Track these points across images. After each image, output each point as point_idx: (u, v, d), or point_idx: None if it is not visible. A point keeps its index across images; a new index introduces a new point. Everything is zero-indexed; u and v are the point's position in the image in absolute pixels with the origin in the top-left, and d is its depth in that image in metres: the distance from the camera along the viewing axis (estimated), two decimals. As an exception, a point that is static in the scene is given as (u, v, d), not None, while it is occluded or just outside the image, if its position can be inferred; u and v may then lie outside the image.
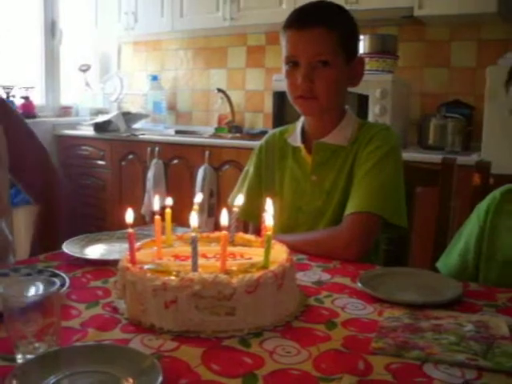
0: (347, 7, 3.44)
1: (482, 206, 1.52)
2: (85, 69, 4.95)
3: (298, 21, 1.63)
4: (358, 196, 1.59)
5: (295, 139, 1.75)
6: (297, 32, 1.62)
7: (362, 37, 3.58)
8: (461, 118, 3.36)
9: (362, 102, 3.32)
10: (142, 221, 3.92)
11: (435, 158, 2.88)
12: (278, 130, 1.87)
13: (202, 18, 4.23)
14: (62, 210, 1.87)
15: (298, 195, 1.72)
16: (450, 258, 1.56)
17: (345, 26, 1.64)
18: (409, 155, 3.08)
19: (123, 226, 3.92)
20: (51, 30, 4.82)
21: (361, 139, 1.67)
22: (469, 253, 1.51)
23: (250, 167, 1.86)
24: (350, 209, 1.58)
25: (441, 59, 3.71)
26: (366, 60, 3.54)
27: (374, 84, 3.30)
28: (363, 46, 3.58)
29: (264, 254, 1.07)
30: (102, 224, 4.26)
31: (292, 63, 1.63)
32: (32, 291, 1.00)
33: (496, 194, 1.51)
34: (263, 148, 1.84)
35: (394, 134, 1.71)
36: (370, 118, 3.29)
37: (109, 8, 4.73)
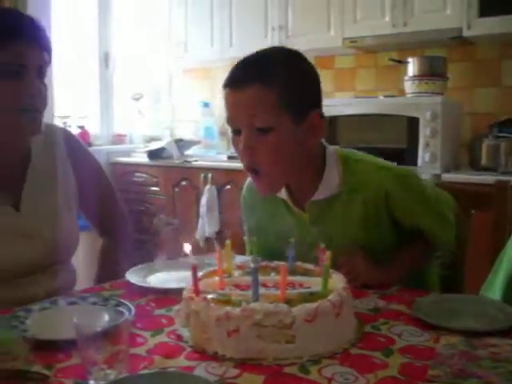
0: (394, 30, 3.53)
1: None
2: (138, 97, 5.08)
3: (231, 78, 1.40)
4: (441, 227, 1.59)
5: (281, 193, 1.58)
6: (232, 92, 1.40)
7: (410, 59, 3.61)
8: (513, 138, 3.33)
9: (412, 124, 3.33)
10: (196, 246, 3.99)
11: (488, 179, 2.86)
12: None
13: (250, 46, 4.25)
14: (127, 244, 1.92)
15: (301, 243, 1.45)
16: (494, 283, 1.53)
17: (289, 81, 1.38)
18: (461, 177, 3.08)
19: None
20: (105, 60, 4.97)
21: (361, 188, 1.52)
22: None
23: (245, 223, 1.77)
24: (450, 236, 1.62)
25: (491, 78, 3.69)
26: (415, 83, 3.55)
27: (424, 106, 3.30)
28: (412, 68, 3.60)
29: (322, 283, 1.10)
30: (156, 249, 4.33)
31: (234, 129, 1.43)
32: (101, 320, 1.05)
33: None
34: (246, 201, 1.75)
35: (391, 167, 1.60)
36: (421, 141, 3.29)
37: (160, 38, 4.86)
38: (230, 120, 1.42)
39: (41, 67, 1.53)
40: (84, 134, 4.52)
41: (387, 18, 3.66)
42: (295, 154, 1.44)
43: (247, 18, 4.32)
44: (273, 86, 1.35)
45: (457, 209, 1.70)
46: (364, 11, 3.77)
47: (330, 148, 1.56)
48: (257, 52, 1.44)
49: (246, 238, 1.73)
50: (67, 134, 1.79)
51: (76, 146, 1.79)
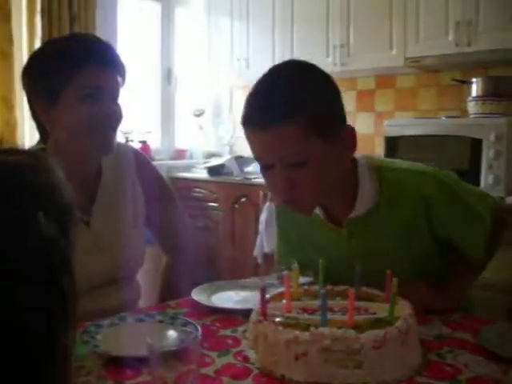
0: (458, 50, 3.49)
1: None
2: (198, 113, 5.16)
3: (250, 118, 1.32)
4: (474, 231, 1.55)
5: (317, 211, 1.53)
6: (254, 132, 1.32)
7: (474, 79, 3.57)
8: None
9: (475, 146, 3.28)
10: (254, 262, 4.02)
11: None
12: None
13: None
14: (192, 264, 1.95)
15: (338, 258, 1.49)
16: None
17: (312, 105, 1.30)
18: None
19: (235, 267, 4.05)
20: (167, 76, 5.07)
21: (400, 199, 1.47)
22: None
23: (281, 232, 1.77)
24: (478, 243, 1.54)
25: (558, 99, 3.62)
26: (479, 103, 3.51)
27: (488, 128, 3.25)
28: (476, 88, 3.56)
29: (389, 309, 1.11)
30: (214, 264, 4.38)
31: (265, 165, 1.35)
32: (170, 338, 1.08)
33: None
34: (281, 211, 1.72)
35: (429, 171, 1.53)
36: (484, 163, 3.24)
37: (222, 55, 4.93)
38: (259, 158, 1.36)
39: (115, 89, 1.59)
40: (145, 148, 4.60)
41: (450, 37, 3.63)
42: (334, 172, 1.38)
43: (309, 34, 4.34)
44: (298, 119, 1.26)
45: (501, 212, 1.66)
46: (427, 30, 3.74)
47: (362, 160, 1.49)
48: (271, 82, 1.35)
49: (277, 244, 1.79)
50: (137, 154, 1.84)
51: (145, 165, 1.84)
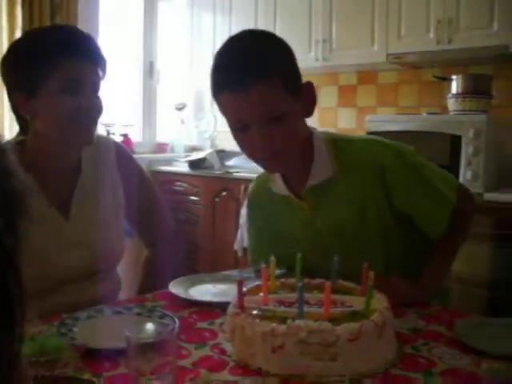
0: (439, 47, 3.51)
1: None
2: (180, 107, 5.15)
3: (232, 82, 1.38)
4: (436, 207, 1.58)
5: (280, 188, 1.62)
6: (233, 95, 1.38)
7: (454, 76, 3.60)
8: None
9: (455, 142, 3.31)
10: (234, 256, 4.03)
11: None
12: (258, 180, 1.77)
13: (295, 58, 4.33)
14: (171, 257, 1.95)
15: (310, 238, 1.62)
16: None
17: (284, 64, 1.43)
18: (504, 197, 3.05)
19: (216, 260, 4.05)
20: (149, 70, 5.06)
21: (356, 167, 1.53)
22: None
23: (252, 223, 1.81)
24: (441, 221, 1.58)
25: (538, 97, 3.66)
26: (459, 100, 3.54)
27: (467, 124, 3.28)
28: (456, 86, 3.59)
29: (365, 302, 1.12)
30: (195, 257, 4.39)
31: (241, 127, 1.42)
32: (148, 331, 1.08)
33: None
34: (253, 202, 1.78)
35: (383, 141, 1.60)
36: (463, 159, 3.27)
37: (203, 48, 4.92)
38: (237, 120, 1.42)
39: (95, 82, 1.58)
40: (127, 142, 4.59)
41: (431, 35, 3.65)
42: (302, 128, 1.49)
43: (291, 29, 4.33)
44: (273, 76, 1.37)
45: (465, 190, 1.69)
46: (408, 27, 3.76)
47: (316, 132, 1.58)
48: (241, 47, 1.43)
49: (248, 243, 1.81)
50: (118, 146, 1.84)
51: (125, 158, 1.84)
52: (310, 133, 1.56)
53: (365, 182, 1.53)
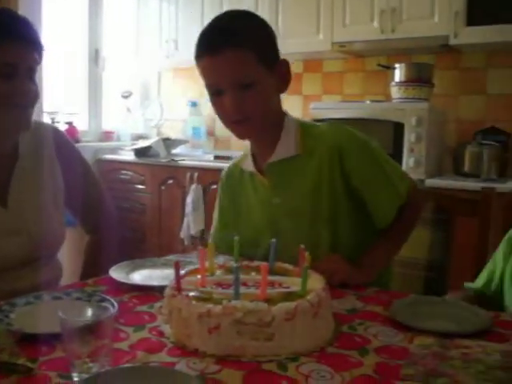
0: (383, 36, 3.57)
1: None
2: (126, 95, 5.10)
3: (209, 46, 1.52)
4: (387, 196, 1.64)
5: (248, 164, 1.74)
6: (211, 59, 1.52)
7: (397, 65, 3.66)
8: (497, 145, 3.38)
9: (398, 129, 3.37)
10: (181, 244, 4.03)
11: (471, 185, 2.93)
12: (234, 161, 1.87)
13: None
14: (113, 242, 1.94)
15: (264, 219, 1.70)
16: (479, 278, 1.63)
17: (259, 38, 1.55)
18: (444, 183, 3.13)
19: (162, 248, 4.04)
20: (95, 57, 4.98)
21: (317, 150, 1.62)
22: (496, 268, 1.57)
23: (218, 202, 1.88)
24: (390, 211, 1.64)
25: (477, 86, 3.75)
26: (402, 88, 3.60)
27: (410, 112, 3.35)
28: (399, 74, 3.65)
29: (301, 283, 1.14)
30: (142, 246, 4.36)
31: (216, 91, 1.55)
32: (85, 315, 1.08)
33: None
34: (224, 182, 1.85)
35: (343, 125, 1.69)
36: (406, 146, 3.34)
37: (150, 36, 4.88)
38: (212, 84, 1.55)
39: (31, 66, 1.55)
40: (72, 130, 4.52)
41: (376, 24, 3.70)
42: (273, 100, 1.62)
43: (237, 18, 4.35)
44: (248, 45, 1.49)
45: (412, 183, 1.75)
46: (353, 16, 3.80)
47: (291, 116, 1.70)
48: (220, 19, 1.57)
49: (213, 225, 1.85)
50: (56, 132, 1.81)
51: (64, 144, 1.81)
52: (283, 114, 1.68)
53: (322, 162, 1.61)
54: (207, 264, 1.28)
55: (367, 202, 1.64)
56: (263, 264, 1.11)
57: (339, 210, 1.63)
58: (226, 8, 4.36)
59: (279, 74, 1.58)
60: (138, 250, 4.22)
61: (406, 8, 3.59)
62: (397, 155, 3.36)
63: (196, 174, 4.09)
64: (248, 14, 1.64)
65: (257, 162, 1.72)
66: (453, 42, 3.42)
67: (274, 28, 3.89)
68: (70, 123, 4.56)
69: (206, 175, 4.08)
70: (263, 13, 4.16)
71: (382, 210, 1.65)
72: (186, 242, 4.03)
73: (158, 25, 4.82)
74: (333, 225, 1.63)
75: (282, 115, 1.67)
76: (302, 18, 4.01)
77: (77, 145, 4.16)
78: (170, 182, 4.31)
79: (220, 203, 1.86)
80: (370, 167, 1.63)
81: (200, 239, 3.94)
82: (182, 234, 4.09)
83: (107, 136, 5.04)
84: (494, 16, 3.26)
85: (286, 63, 1.61)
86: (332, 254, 1.57)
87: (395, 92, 3.66)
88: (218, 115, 1.59)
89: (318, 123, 1.75)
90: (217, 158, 4.40)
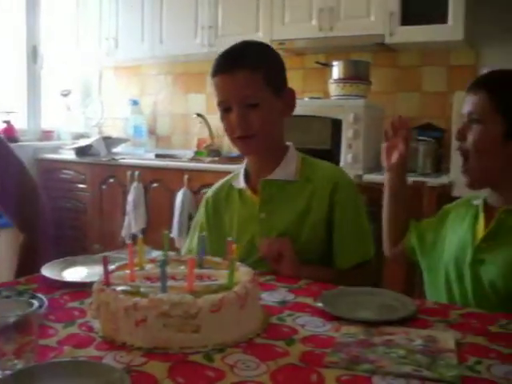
0: (321, 34, 3.62)
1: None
2: (66, 93, 5.03)
3: (223, 66, 1.66)
4: (354, 244, 1.72)
5: (239, 182, 1.80)
6: (223, 77, 1.66)
7: (335, 62, 3.72)
8: (432, 141, 3.47)
9: (336, 126, 3.43)
10: (122, 243, 4.00)
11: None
12: (225, 179, 1.91)
13: (180, 44, 4.34)
14: (47, 240, 1.92)
15: (248, 235, 1.75)
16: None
17: (269, 64, 1.68)
18: (382, 178, 3.17)
19: (103, 248, 3.99)
20: (33, 55, 4.89)
21: (314, 179, 1.73)
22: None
23: (198, 218, 1.91)
24: (350, 259, 1.71)
25: (412, 84, 3.85)
26: (340, 85, 3.66)
27: (347, 109, 3.41)
28: (337, 71, 3.70)
29: (228, 275, 1.15)
30: (83, 246, 4.31)
31: (225, 108, 1.67)
32: (13, 312, 1.07)
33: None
34: (210, 200, 1.88)
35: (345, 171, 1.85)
36: (344, 142, 3.40)
37: (90, 33, 4.82)
38: (222, 101, 1.67)
39: None
40: (10, 129, 4.45)
41: (314, 22, 3.75)
42: (278, 122, 1.74)
43: (178, 16, 4.34)
44: (257, 69, 1.63)
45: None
46: (292, 14, 3.85)
47: (292, 146, 1.81)
48: (238, 44, 1.71)
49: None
50: None
51: None
52: (285, 143, 1.79)
53: (316, 189, 1.72)
54: (136, 259, 1.28)
55: (334, 240, 1.72)
56: (190, 257, 1.12)
57: (315, 243, 1.71)
58: (165, 7, 4.41)
59: (285, 99, 1.72)
60: (79, 249, 4.18)
61: (343, 7, 3.67)
62: (335, 151, 3.42)
63: (137, 173, 4.07)
64: (262, 44, 1.78)
65: (250, 179, 1.80)
66: (388, 40, 3.51)
67: (213, 25, 3.93)
68: (7, 122, 4.48)
69: (147, 174, 4.07)
70: (203, 10, 4.19)
71: (342, 254, 1.71)
72: (127, 241, 4.00)
73: (97, 22, 4.77)
74: (306, 252, 1.67)
75: (284, 141, 1.79)
76: (242, 16, 4.04)
77: (15, 144, 4.10)
78: (111, 180, 4.28)
79: (200, 221, 1.89)
80: (353, 210, 1.73)
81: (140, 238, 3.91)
82: (124, 233, 4.06)
83: (47, 135, 4.97)
84: (428, 16, 3.36)
85: (292, 92, 1.75)
86: (284, 237, 1.66)
87: (333, 89, 3.72)
88: (226, 131, 1.71)
89: (320, 160, 1.83)
90: (158, 156, 4.40)
